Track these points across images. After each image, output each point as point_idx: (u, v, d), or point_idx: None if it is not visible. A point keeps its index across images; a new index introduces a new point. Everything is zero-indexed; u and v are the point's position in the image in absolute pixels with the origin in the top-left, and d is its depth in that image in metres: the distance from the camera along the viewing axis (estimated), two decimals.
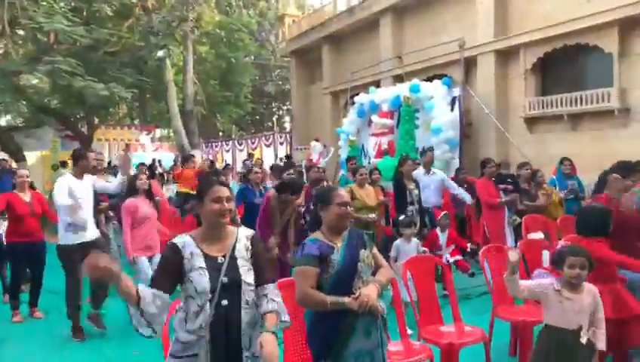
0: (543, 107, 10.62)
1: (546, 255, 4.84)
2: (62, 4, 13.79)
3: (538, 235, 5.48)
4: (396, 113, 11.96)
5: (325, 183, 6.38)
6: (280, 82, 31.37)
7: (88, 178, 4.98)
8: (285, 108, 32.82)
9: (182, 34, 17.68)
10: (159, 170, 13.25)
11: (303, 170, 10.19)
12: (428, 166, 7.02)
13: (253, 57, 28.26)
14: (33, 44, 14.59)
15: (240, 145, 21.68)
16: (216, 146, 22.96)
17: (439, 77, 12.17)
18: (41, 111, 15.99)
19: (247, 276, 2.31)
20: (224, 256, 2.30)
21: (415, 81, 11.87)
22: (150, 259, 5.19)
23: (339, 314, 2.50)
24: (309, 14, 20.73)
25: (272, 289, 2.37)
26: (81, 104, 14.96)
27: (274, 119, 32.00)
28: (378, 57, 15.14)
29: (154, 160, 15.22)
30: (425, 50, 13.22)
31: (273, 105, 33.60)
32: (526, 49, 10.85)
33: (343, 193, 2.77)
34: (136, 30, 16.16)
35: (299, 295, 2.56)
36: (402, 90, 11.71)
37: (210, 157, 18.48)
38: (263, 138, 20.90)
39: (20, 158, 14.37)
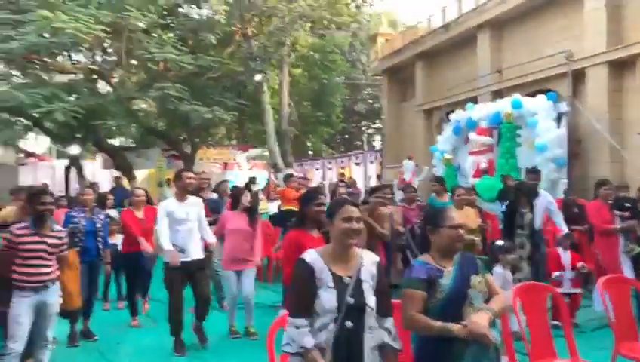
0: None
1: None
2: (170, 34, 14.90)
3: None
4: (496, 130, 11.42)
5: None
6: (370, 101, 31.45)
7: (192, 199, 5.16)
8: (375, 126, 32.78)
9: (278, 58, 18.35)
10: (255, 187, 13.75)
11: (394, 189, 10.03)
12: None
13: (344, 78, 28.65)
14: (145, 72, 15.91)
15: (330, 164, 21.94)
16: (306, 165, 23.42)
17: (543, 92, 11.46)
18: (150, 133, 17.31)
19: (371, 301, 2.32)
20: (350, 277, 2.32)
21: (516, 96, 11.27)
22: (239, 272, 5.30)
23: (447, 341, 2.39)
24: (403, 32, 20.62)
25: (392, 322, 2.40)
26: (185, 126, 15.98)
27: (364, 138, 32.05)
28: (475, 73, 14.64)
29: (250, 178, 15.82)
30: (526, 64, 12.57)
31: (363, 123, 33.70)
32: None
33: (455, 215, 2.65)
34: (237, 56, 17.04)
35: (405, 319, 2.49)
36: (502, 106, 11.17)
37: (302, 175, 18.87)
38: (353, 157, 20.96)
39: (131, 176, 15.62)
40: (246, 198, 5.51)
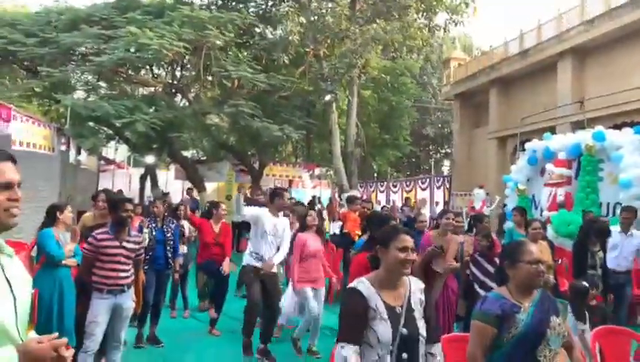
0: None
1: None
2: (246, 53, 15.44)
3: None
4: (575, 163, 10.76)
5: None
6: (440, 125, 30.91)
7: (282, 218, 5.35)
8: (444, 151, 32.10)
9: (349, 79, 18.47)
10: (318, 206, 13.78)
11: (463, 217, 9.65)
12: (627, 226, 6.09)
13: (413, 100, 28.39)
14: (219, 89, 16.55)
15: (395, 186, 21.62)
16: (371, 187, 23.22)
17: (629, 124, 10.73)
18: (221, 147, 17.90)
19: (423, 330, 2.29)
20: (401, 307, 2.28)
21: (599, 128, 10.60)
22: (315, 290, 5.36)
23: None
24: (477, 57, 20.18)
25: (439, 350, 2.35)
26: (254, 142, 16.40)
27: (431, 162, 31.46)
28: (554, 102, 14.01)
29: (314, 197, 15.89)
30: (611, 96, 11.84)
31: (431, 148, 33.13)
32: None
33: (534, 249, 2.52)
34: (308, 76, 17.35)
35: (469, 355, 2.42)
36: (584, 137, 10.52)
37: (365, 197, 18.72)
38: (419, 181, 20.56)
39: (201, 188, 16.16)
40: (312, 218, 5.54)
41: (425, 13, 21.42)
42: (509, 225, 10.19)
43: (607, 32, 12.22)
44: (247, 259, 5.20)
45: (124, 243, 4.13)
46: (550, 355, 2.32)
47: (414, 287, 2.37)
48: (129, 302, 4.20)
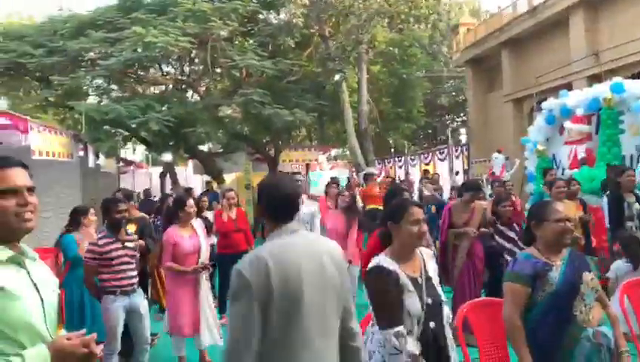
0: None
1: None
2: (251, 41, 15.37)
3: None
4: (594, 118, 10.54)
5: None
6: (454, 93, 30.45)
7: (308, 203, 5.42)
8: (460, 120, 31.69)
9: (356, 56, 18.29)
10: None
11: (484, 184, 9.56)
12: None
13: (424, 71, 27.96)
14: (229, 80, 16.55)
15: (413, 160, 21.48)
16: (388, 163, 23.11)
17: None
18: (235, 138, 17.99)
19: (443, 295, 2.38)
20: (420, 276, 2.33)
21: (617, 79, 10.32)
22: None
23: (559, 334, 2.33)
24: (486, 20, 19.77)
25: (448, 313, 2.40)
26: (267, 130, 16.43)
27: (448, 132, 31.10)
28: (568, 58, 13.67)
29: (332, 178, 15.88)
30: (628, 45, 11.49)
31: (447, 117, 32.72)
32: None
33: (560, 208, 2.54)
34: (315, 58, 17.22)
35: (506, 317, 2.43)
36: (601, 91, 10.26)
37: (384, 173, 18.66)
38: (437, 152, 20.37)
39: (220, 180, 16.31)
40: (344, 198, 5.63)
41: None
42: (531, 187, 10.04)
43: None
44: None
45: (126, 243, 4.13)
46: (586, 310, 2.35)
47: (426, 256, 2.44)
48: (141, 298, 4.22)
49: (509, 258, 4.89)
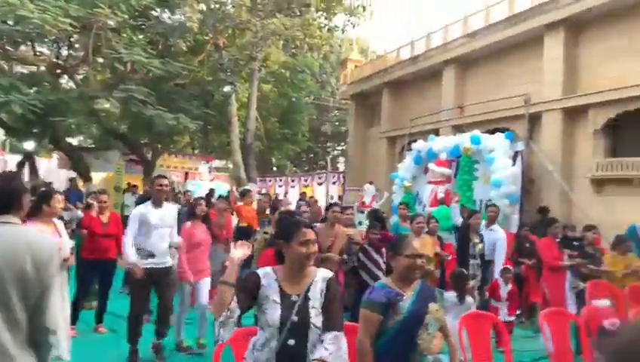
0: (612, 169, 10.17)
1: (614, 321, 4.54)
2: (141, 36, 14.71)
3: (604, 303, 5.14)
4: (454, 163, 11.81)
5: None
6: (337, 123, 31.88)
7: (168, 206, 5.14)
8: (340, 148, 33.15)
9: (249, 72, 18.39)
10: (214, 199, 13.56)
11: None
12: (492, 221, 6.83)
13: (312, 97, 28.96)
14: (111, 72, 15.60)
15: (293, 181, 21.97)
16: (269, 181, 23.35)
17: (501, 130, 11.97)
18: (110, 135, 16.90)
19: (317, 319, 2.33)
20: (298, 295, 2.35)
21: (476, 132, 11.72)
22: (197, 282, 5.28)
23: (401, 360, 2.55)
24: (372, 60, 21.12)
25: (329, 338, 2.31)
26: (147, 131, 15.70)
27: (328, 158, 32.37)
28: (439, 106, 15.13)
29: (211, 189, 15.62)
30: (487, 103, 13.10)
31: (328, 144, 34.05)
32: (596, 109, 10.52)
33: (415, 244, 2.80)
34: (207, 65, 16.98)
35: (359, 343, 2.60)
36: (462, 140, 11.58)
37: (264, 191, 18.80)
38: (316, 176, 21.10)
39: (87, 178, 15.15)
40: (201, 208, 5.48)
41: (325, 13, 21.98)
42: (394, 218, 10.85)
43: (484, 45, 13.47)
44: (132, 258, 4.78)
45: None
46: (429, 338, 2.59)
47: (319, 277, 2.42)
48: None
49: (369, 280, 5.25)
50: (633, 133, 10.23)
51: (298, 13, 18.81)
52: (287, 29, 17.45)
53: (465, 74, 14.82)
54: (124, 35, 13.98)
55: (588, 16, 10.88)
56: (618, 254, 6.52)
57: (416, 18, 46.27)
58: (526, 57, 12.61)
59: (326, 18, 24.79)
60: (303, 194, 15.44)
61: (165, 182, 5.06)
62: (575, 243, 6.91)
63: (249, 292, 2.33)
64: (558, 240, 6.85)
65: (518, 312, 5.90)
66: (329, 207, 5.82)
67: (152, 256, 4.85)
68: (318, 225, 5.48)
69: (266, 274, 2.39)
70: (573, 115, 11.16)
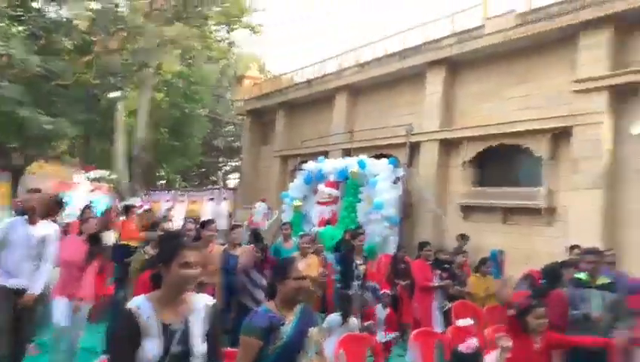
0: (478, 198, 11.28)
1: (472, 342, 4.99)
2: (21, 28, 13.48)
3: (467, 322, 5.64)
4: (342, 185, 12.31)
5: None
6: (231, 138, 31.55)
7: (44, 224, 4.68)
8: (232, 164, 32.78)
9: (141, 79, 17.62)
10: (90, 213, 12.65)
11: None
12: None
13: (207, 110, 28.42)
14: None
15: (182, 196, 21.25)
16: (156, 195, 22.33)
17: (386, 156, 12.73)
18: None
19: (199, 347, 2.25)
20: (180, 323, 2.24)
21: (363, 157, 12.35)
22: (70, 303, 4.80)
23: None
24: (270, 79, 21.39)
25: None
26: (18, 134, 14.30)
27: (220, 174, 31.81)
28: (330, 130, 15.71)
29: (87, 203, 14.53)
30: (374, 130, 13.89)
31: (220, 159, 33.50)
32: (467, 142, 11.65)
33: (301, 266, 2.92)
34: (94, 67, 15.98)
35: None
36: (350, 163, 12.13)
37: (148, 206, 17.92)
38: (208, 192, 20.63)
39: None
40: (90, 225, 5.00)
41: (225, 27, 21.87)
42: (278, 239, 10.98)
43: (373, 76, 14.35)
44: None
45: None
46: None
47: (199, 304, 2.32)
48: None
49: (249, 303, 5.17)
50: (496, 166, 11.47)
51: (197, 25, 18.51)
52: (184, 38, 17.07)
53: (356, 101, 15.59)
54: (2, 24, 12.70)
55: (464, 58, 12.08)
56: (480, 276, 7.26)
57: (315, 44, 47.85)
58: (410, 90, 13.60)
59: (228, 32, 24.73)
60: (190, 212, 15.03)
61: (37, 196, 4.69)
62: (446, 265, 7.52)
63: (132, 349, 2.13)
64: (430, 262, 7.42)
65: (396, 334, 6.16)
66: (203, 224, 5.63)
67: (9, 275, 4.46)
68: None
69: (141, 305, 2.19)
70: (448, 146, 12.25)
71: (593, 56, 9.34)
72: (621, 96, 9.06)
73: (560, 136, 9.83)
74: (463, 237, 9.89)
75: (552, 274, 5.16)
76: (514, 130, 10.51)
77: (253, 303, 5.03)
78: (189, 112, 23.73)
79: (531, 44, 10.61)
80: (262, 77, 23.59)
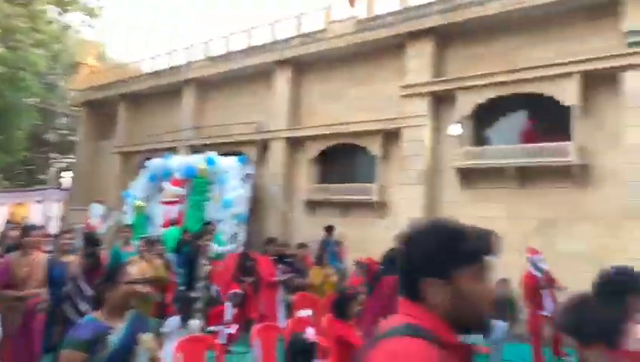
0: (321, 194, 11.85)
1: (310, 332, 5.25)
2: None
3: (306, 313, 5.92)
4: (189, 183, 11.95)
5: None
6: (65, 131, 28.57)
7: None
8: (67, 161, 29.71)
9: None
10: None
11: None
12: (210, 239, 7.18)
13: (37, 100, 25.34)
14: None
15: (3, 198, 18.68)
16: None
17: (236, 153, 12.69)
18: None
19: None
20: None
21: (212, 153, 12.14)
22: None
23: None
24: (111, 68, 19.82)
25: None
26: None
27: (50, 172, 28.57)
28: (178, 125, 15.13)
29: None
30: (225, 126, 13.74)
31: (52, 155, 30.10)
32: (311, 141, 12.17)
33: (133, 270, 2.75)
34: None
35: None
36: (198, 160, 11.85)
37: None
38: (35, 193, 18.42)
39: None
40: None
41: (58, 8, 19.70)
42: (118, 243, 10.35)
43: (221, 72, 14.15)
44: None
45: None
46: None
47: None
48: None
49: (72, 316, 4.76)
50: (337, 164, 12.15)
51: (22, 2, 16.36)
52: (6, 16, 14.95)
53: (204, 95, 15.23)
54: None
55: (309, 60, 12.55)
56: (320, 267, 7.68)
57: (165, 35, 45.48)
58: (260, 88, 13.71)
59: (59, 13, 22.25)
60: (11, 215, 13.32)
61: None
62: (289, 259, 7.81)
63: None
64: (274, 257, 7.63)
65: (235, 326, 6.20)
66: (25, 230, 5.12)
67: None
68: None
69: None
70: (295, 144, 12.64)
71: (418, 65, 10.44)
72: (439, 102, 10.27)
73: (391, 136, 10.80)
74: (328, 229, 10.26)
75: (389, 261, 5.63)
76: (352, 130, 11.27)
77: (77, 315, 4.66)
78: (13, 101, 20.91)
79: (369, 49, 11.46)
80: (101, 65, 21.75)
